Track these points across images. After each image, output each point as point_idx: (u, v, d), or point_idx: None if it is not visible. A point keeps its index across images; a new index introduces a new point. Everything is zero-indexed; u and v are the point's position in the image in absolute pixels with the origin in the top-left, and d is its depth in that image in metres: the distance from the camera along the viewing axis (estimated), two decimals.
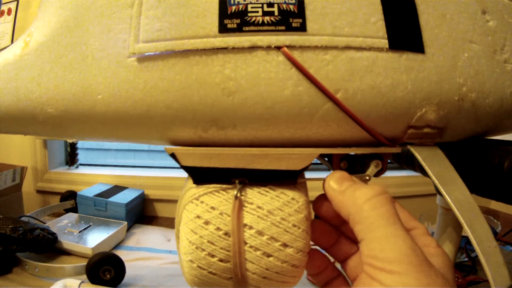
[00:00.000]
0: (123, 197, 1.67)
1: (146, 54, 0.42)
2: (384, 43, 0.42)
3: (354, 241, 0.46)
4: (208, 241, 0.42)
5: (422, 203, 1.55)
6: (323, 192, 0.45)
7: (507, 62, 0.48)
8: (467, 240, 1.32)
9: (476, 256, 1.25)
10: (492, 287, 0.39)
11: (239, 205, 0.42)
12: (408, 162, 0.76)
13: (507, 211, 1.79)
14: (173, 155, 0.44)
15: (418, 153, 0.46)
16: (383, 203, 0.38)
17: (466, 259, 1.28)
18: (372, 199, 0.38)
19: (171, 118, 0.43)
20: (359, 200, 0.38)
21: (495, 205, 1.82)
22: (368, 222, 0.37)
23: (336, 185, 0.42)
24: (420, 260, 0.34)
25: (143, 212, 1.87)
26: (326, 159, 0.53)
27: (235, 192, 0.42)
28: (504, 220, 1.65)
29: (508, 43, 0.48)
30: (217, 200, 0.43)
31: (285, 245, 0.42)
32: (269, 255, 0.42)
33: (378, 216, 0.37)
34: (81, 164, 2.09)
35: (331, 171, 0.44)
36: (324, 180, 0.44)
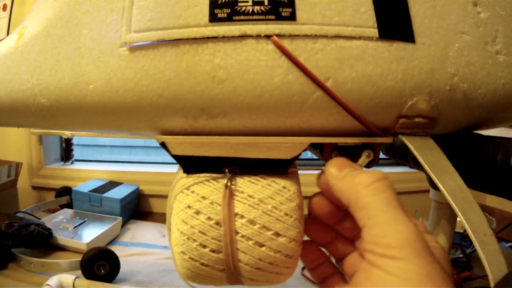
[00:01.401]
0: (118, 193, 1.67)
1: (138, 43, 0.42)
2: (374, 32, 0.42)
3: (351, 240, 0.46)
4: (200, 231, 0.42)
5: (417, 199, 1.55)
6: (318, 191, 0.45)
7: (499, 53, 0.48)
8: (462, 236, 1.32)
9: (471, 252, 1.26)
10: (489, 275, 0.38)
11: (230, 194, 0.42)
12: (402, 156, 0.77)
13: (503, 208, 1.80)
14: (163, 144, 0.44)
15: (410, 143, 0.46)
16: (384, 188, 0.37)
17: (461, 255, 1.28)
18: (372, 184, 0.38)
19: (162, 107, 0.43)
20: (359, 186, 0.38)
21: (490, 201, 1.83)
22: (369, 208, 0.37)
23: (336, 171, 0.41)
24: (423, 246, 0.34)
25: (138, 208, 1.87)
26: (318, 149, 0.53)
27: (225, 181, 0.43)
28: (499, 216, 1.65)
29: (500, 35, 0.48)
30: (208, 189, 0.43)
31: (277, 234, 0.42)
32: (261, 245, 0.42)
33: (379, 202, 0.36)
34: (76, 160, 2.08)
35: (332, 158, 0.44)
36: (318, 174, 0.44)
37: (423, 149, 0.45)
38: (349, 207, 0.39)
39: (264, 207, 0.42)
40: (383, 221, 0.35)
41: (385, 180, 0.38)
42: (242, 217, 0.42)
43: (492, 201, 1.81)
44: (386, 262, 0.34)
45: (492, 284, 0.38)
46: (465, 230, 1.33)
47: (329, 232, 0.46)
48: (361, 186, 0.38)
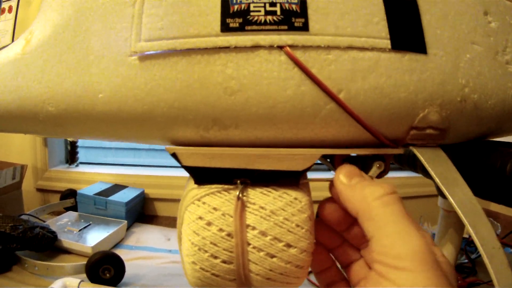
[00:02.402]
0: (123, 196, 1.67)
1: (148, 53, 0.42)
2: (387, 43, 0.42)
3: (358, 247, 0.46)
4: (211, 243, 0.42)
5: (422, 204, 1.55)
6: (329, 196, 0.45)
7: (509, 63, 0.48)
8: (467, 241, 1.32)
9: (476, 258, 1.26)
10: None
11: (242, 205, 0.42)
12: (410, 163, 0.76)
13: (507, 213, 1.79)
14: (174, 155, 0.44)
15: (421, 154, 0.45)
16: (394, 201, 0.38)
17: (466, 260, 1.28)
18: (382, 197, 0.38)
19: (172, 118, 0.43)
20: (369, 197, 0.38)
21: (495, 207, 1.82)
22: (378, 218, 0.37)
23: (346, 179, 0.41)
24: (432, 259, 0.34)
25: (143, 211, 1.87)
26: (328, 160, 0.53)
27: (237, 193, 0.42)
28: (504, 222, 1.65)
29: (510, 44, 0.48)
30: (219, 200, 0.43)
31: (288, 245, 0.42)
32: (272, 256, 0.42)
33: (389, 213, 0.37)
34: (81, 163, 2.09)
35: (342, 165, 0.44)
36: (330, 180, 0.44)
37: (433, 161, 0.45)
38: (358, 216, 0.39)
39: (276, 218, 0.42)
40: (392, 232, 0.36)
41: (395, 194, 0.39)
42: (253, 228, 0.42)
43: (497, 206, 1.80)
44: (394, 274, 0.34)
45: None
46: (470, 236, 1.33)
47: (337, 237, 0.46)
48: (371, 198, 0.38)
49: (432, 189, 0.76)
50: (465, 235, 1.36)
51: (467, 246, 1.32)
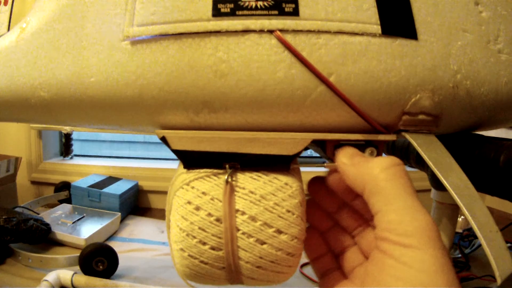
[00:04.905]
0: (117, 188, 1.67)
1: (140, 37, 0.42)
2: (377, 28, 0.42)
3: (351, 233, 0.45)
4: (199, 228, 0.41)
5: None
6: (317, 175, 0.44)
7: (501, 52, 0.48)
8: (460, 236, 1.32)
9: (470, 252, 1.26)
10: (495, 271, 0.38)
11: (231, 190, 0.42)
12: (403, 156, 0.76)
13: (501, 208, 1.80)
14: (163, 139, 0.44)
15: (414, 140, 0.45)
16: (401, 174, 0.37)
17: (460, 255, 1.28)
18: (388, 168, 0.37)
19: (162, 101, 0.43)
20: (375, 169, 0.37)
21: (489, 202, 1.82)
22: (385, 192, 0.36)
23: (348, 159, 0.41)
24: (438, 236, 0.33)
25: (137, 203, 1.87)
26: (320, 147, 0.53)
27: (226, 177, 0.42)
28: (497, 217, 1.65)
29: (502, 34, 0.48)
30: (208, 185, 0.42)
31: (279, 231, 0.41)
32: (262, 242, 0.41)
33: (396, 187, 0.36)
34: (75, 155, 2.09)
35: (341, 148, 0.44)
36: (323, 165, 0.44)
37: (427, 146, 0.45)
38: (364, 192, 0.38)
39: (266, 203, 0.41)
40: (400, 207, 0.35)
41: (401, 166, 0.38)
42: (243, 213, 0.41)
43: (491, 201, 1.81)
44: (400, 251, 0.33)
45: (498, 280, 0.37)
46: (464, 230, 1.34)
47: (328, 219, 0.46)
48: (377, 169, 0.37)
49: (426, 184, 0.76)
50: (459, 230, 1.37)
51: (460, 240, 1.33)
